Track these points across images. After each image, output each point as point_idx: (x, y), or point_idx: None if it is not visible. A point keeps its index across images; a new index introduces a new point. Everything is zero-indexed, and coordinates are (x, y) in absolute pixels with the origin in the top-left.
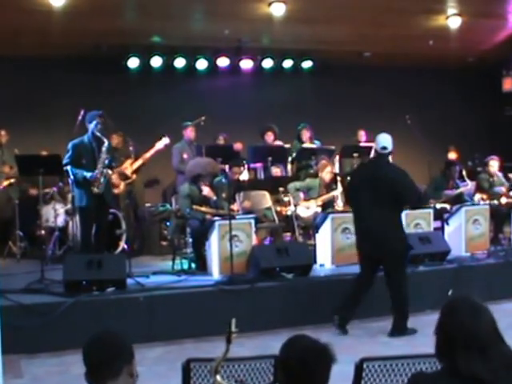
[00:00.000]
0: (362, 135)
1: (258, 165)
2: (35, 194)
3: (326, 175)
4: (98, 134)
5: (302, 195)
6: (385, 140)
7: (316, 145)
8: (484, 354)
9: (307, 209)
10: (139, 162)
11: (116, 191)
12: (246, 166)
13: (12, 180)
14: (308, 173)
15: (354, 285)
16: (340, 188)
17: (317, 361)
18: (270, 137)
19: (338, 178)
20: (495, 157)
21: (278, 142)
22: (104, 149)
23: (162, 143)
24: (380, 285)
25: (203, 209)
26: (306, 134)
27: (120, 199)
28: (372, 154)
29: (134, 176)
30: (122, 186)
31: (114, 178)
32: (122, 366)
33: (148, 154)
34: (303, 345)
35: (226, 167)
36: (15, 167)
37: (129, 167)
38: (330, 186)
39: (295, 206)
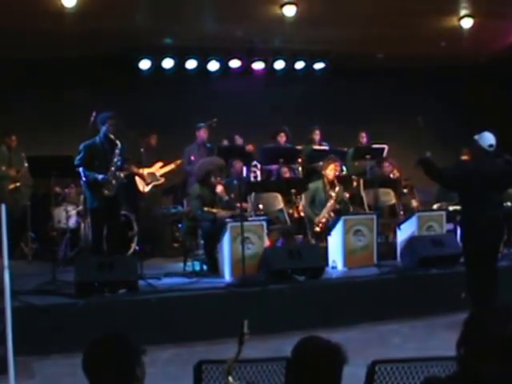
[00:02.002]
0: (363, 136)
1: (274, 167)
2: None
3: (330, 172)
4: (112, 136)
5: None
6: (491, 138)
7: (324, 146)
8: (507, 362)
9: (320, 223)
10: (170, 167)
11: (142, 189)
12: (258, 167)
13: (18, 183)
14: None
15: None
16: (337, 187)
17: (328, 361)
18: (282, 138)
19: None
20: None
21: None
22: (117, 151)
23: None
24: (392, 287)
25: (215, 210)
26: (317, 136)
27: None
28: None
29: (163, 179)
30: (149, 187)
31: (146, 175)
32: (134, 369)
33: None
34: (314, 345)
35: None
36: (22, 170)
37: (158, 170)
38: (333, 183)
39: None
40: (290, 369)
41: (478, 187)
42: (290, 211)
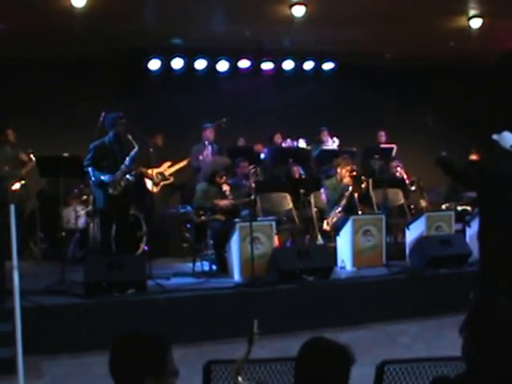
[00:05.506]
0: (382, 136)
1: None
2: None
3: (346, 173)
4: (130, 137)
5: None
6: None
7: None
8: None
9: (330, 222)
10: (179, 165)
11: (155, 190)
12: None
13: (23, 181)
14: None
15: None
16: (349, 188)
17: (335, 362)
18: (279, 139)
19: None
20: None
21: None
22: (132, 153)
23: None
24: (400, 287)
25: (222, 203)
26: (325, 136)
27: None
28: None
29: (172, 178)
30: (159, 187)
31: (155, 175)
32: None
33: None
34: (321, 346)
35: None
36: (26, 167)
37: (167, 169)
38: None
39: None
40: (296, 368)
41: (499, 188)
42: (299, 211)
